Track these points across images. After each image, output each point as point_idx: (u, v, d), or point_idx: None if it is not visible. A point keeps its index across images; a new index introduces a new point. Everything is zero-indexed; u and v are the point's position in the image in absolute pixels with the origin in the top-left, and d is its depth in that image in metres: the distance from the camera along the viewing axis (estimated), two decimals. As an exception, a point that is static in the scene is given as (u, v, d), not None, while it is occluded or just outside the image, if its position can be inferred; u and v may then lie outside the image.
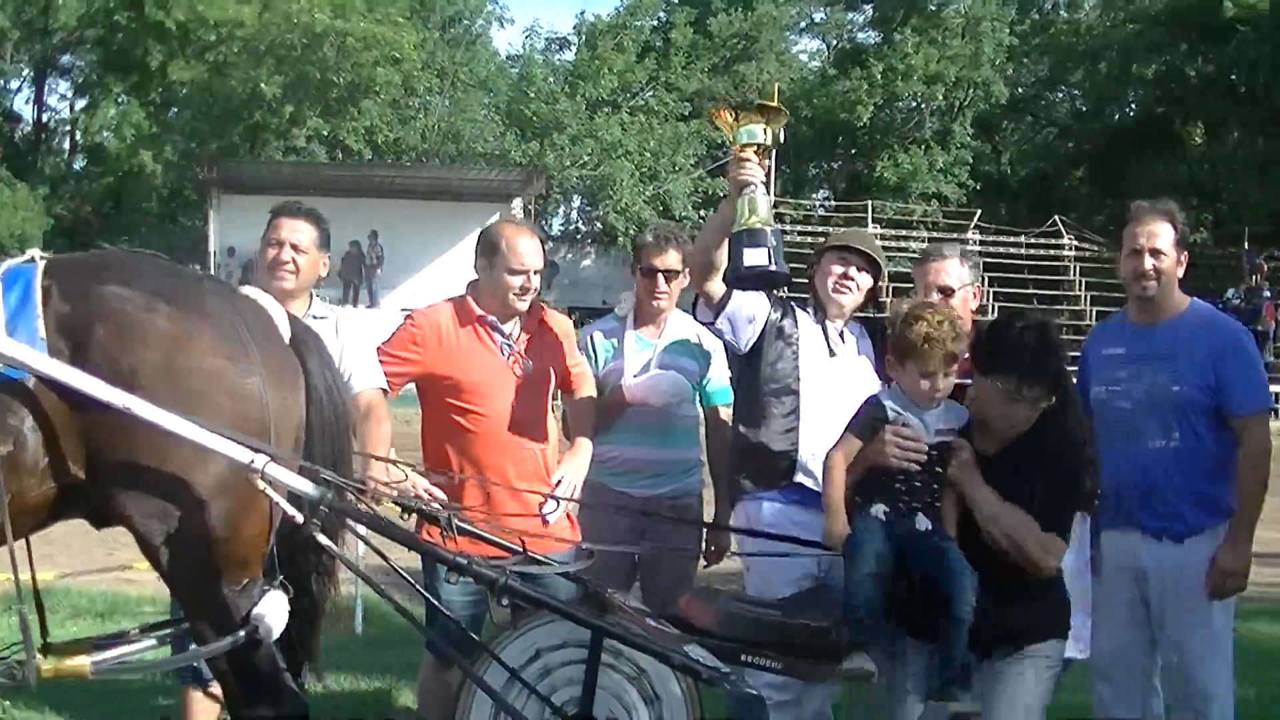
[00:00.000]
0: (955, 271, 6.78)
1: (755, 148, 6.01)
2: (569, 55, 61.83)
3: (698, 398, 7.50)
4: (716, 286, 6.49)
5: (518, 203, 47.04)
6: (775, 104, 6.19)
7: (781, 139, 8.69)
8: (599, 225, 57.88)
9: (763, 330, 6.64)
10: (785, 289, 6.87)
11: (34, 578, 5.21)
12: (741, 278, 6.07)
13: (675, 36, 60.61)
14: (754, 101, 6.60)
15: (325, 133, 52.35)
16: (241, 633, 4.85)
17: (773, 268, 5.91)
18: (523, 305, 6.85)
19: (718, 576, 8.06)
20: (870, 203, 53.08)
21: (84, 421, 4.69)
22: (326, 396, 5.23)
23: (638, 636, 5.34)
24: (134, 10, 54.01)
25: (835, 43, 67.49)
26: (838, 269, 6.76)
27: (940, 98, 59.96)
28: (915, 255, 7.19)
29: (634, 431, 7.28)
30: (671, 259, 7.26)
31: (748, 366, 6.75)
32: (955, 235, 49.03)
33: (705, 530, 7.37)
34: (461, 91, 56.40)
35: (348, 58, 50.25)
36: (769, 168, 6.38)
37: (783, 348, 6.66)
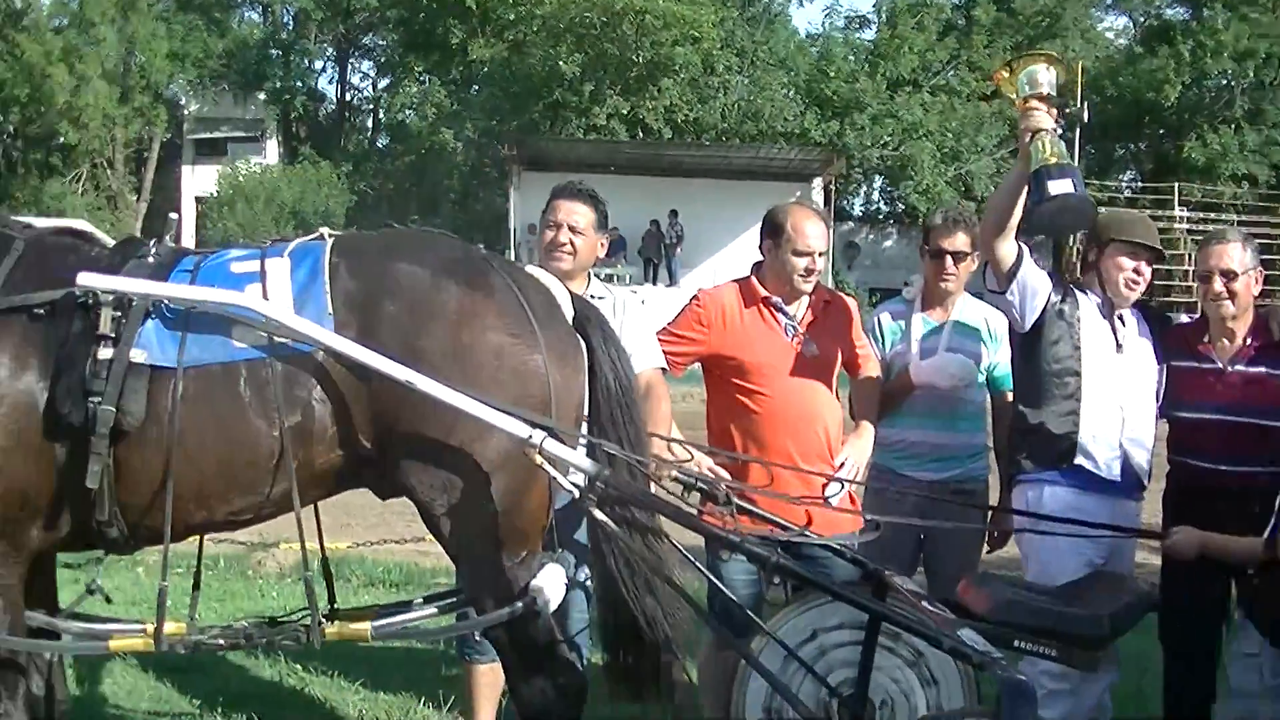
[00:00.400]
0: (1238, 255, 6.54)
1: (1040, 97, 6.00)
2: (869, 34, 61.48)
3: (984, 381, 7.39)
4: (1008, 249, 6.45)
5: (818, 182, 46.81)
6: (1048, 52, 6.15)
7: (1083, 112, 8.48)
8: (900, 205, 57.41)
9: (1044, 309, 6.55)
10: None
11: (321, 543, 5.39)
12: (1050, 208, 5.94)
13: (978, 14, 59.86)
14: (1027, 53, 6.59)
15: (625, 111, 52.59)
16: (519, 604, 4.95)
17: (1079, 193, 5.88)
18: (807, 286, 6.85)
19: (1003, 562, 7.96)
20: (1177, 184, 51.54)
21: (371, 393, 4.82)
22: (612, 374, 5.28)
23: (909, 619, 5.29)
24: (435, -10, 55.43)
25: (1142, 19, 65.90)
26: (1128, 263, 6.64)
27: (1252, 75, 57.98)
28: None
29: (920, 415, 7.23)
30: (960, 241, 7.20)
31: (1028, 345, 6.67)
32: (1266, 219, 47.46)
33: (990, 514, 7.28)
34: (761, 70, 56.25)
35: (647, 36, 50.47)
36: (1071, 142, 6.33)
37: (1064, 329, 6.58)
